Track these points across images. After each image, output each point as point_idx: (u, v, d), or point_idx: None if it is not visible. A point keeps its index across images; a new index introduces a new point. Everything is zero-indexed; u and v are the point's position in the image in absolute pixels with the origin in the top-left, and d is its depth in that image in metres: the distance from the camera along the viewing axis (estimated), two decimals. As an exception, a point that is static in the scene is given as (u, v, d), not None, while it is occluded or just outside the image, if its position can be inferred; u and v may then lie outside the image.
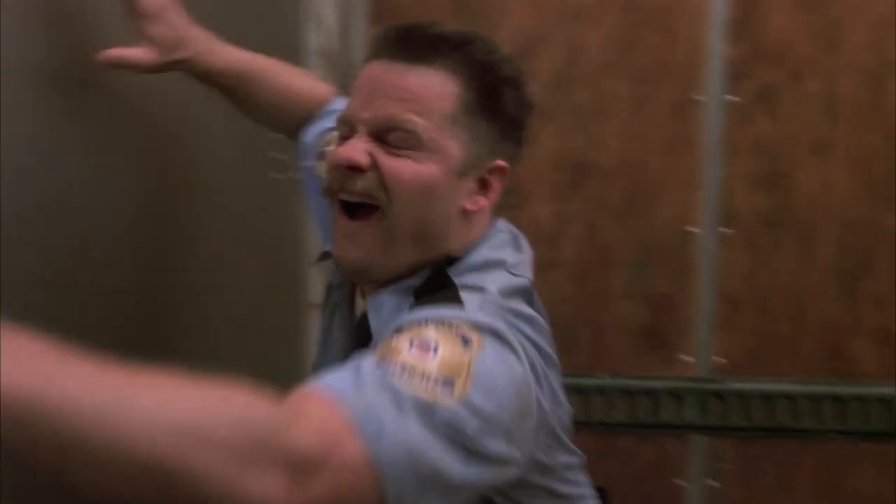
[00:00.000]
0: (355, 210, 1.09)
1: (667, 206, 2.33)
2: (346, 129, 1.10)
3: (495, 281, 1.05)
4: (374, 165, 1.06)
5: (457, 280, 1.06)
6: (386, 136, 1.06)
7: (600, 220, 2.34)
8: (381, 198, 1.06)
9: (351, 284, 1.20)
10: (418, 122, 1.05)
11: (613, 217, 2.34)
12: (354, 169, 1.06)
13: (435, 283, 1.07)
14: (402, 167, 1.05)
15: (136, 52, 1.23)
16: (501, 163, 1.12)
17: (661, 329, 2.35)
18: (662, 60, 2.30)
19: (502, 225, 1.16)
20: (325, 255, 1.24)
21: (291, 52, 1.95)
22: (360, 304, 1.18)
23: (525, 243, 1.17)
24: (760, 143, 2.31)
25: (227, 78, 1.36)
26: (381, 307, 1.09)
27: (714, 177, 2.32)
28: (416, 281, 1.09)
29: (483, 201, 1.11)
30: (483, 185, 1.12)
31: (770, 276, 2.34)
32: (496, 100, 1.09)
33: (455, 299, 1.02)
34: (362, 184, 1.07)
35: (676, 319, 2.35)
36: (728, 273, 2.34)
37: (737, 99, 2.31)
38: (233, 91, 1.38)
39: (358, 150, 1.06)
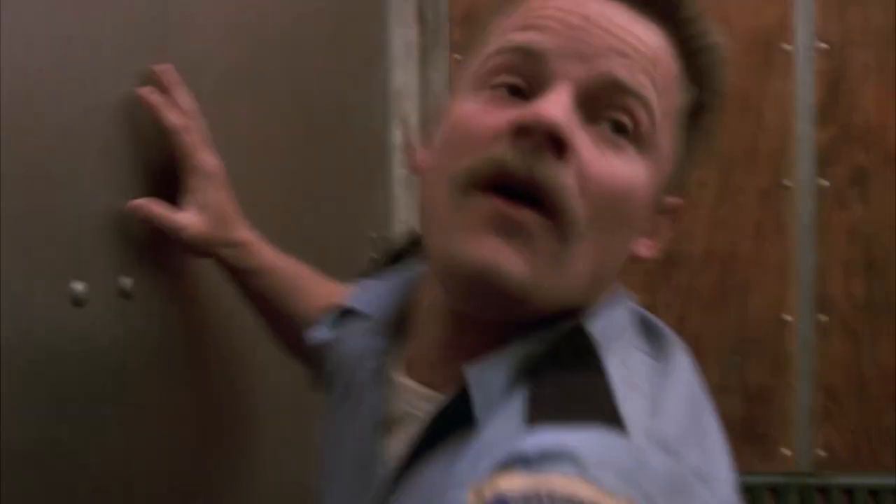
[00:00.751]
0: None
1: (759, 294, 2.27)
2: (526, 75, 0.68)
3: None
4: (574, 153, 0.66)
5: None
6: (602, 110, 0.67)
7: (691, 310, 2.28)
8: (572, 207, 0.66)
9: (390, 353, 0.81)
10: (654, 99, 0.68)
11: (704, 307, 2.27)
12: (550, 143, 0.64)
13: (569, 355, 0.68)
14: (617, 168, 0.67)
15: (185, 216, 0.99)
16: (680, 201, 0.77)
17: (759, 422, 2.27)
18: (750, 146, 2.26)
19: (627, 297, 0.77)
20: (346, 312, 0.92)
21: (377, 149, 1.94)
22: (400, 386, 0.78)
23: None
24: (854, 228, 2.25)
25: (271, 278, 1.08)
26: (489, 381, 0.68)
27: (808, 263, 2.26)
28: (534, 344, 0.70)
29: (654, 249, 0.76)
30: (654, 227, 0.76)
31: (870, 364, 2.26)
32: (704, 113, 0.74)
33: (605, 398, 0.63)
34: (554, 172, 0.65)
35: (774, 411, 2.27)
36: (826, 362, 2.27)
37: (827, 183, 2.25)
38: (269, 296, 1.10)
39: (567, 110, 0.65)
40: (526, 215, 0.65)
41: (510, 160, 0.65)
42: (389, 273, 0.91)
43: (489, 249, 0.65)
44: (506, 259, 0.64)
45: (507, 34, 0.70)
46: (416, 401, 0.75)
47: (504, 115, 0.66)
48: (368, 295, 0.89)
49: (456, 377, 0.69)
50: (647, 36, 0.68)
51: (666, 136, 0.70)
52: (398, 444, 0.74)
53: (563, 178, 0.65)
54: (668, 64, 0.69)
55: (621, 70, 0.66)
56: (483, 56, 0.71)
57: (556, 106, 0.64)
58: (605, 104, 0.67)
